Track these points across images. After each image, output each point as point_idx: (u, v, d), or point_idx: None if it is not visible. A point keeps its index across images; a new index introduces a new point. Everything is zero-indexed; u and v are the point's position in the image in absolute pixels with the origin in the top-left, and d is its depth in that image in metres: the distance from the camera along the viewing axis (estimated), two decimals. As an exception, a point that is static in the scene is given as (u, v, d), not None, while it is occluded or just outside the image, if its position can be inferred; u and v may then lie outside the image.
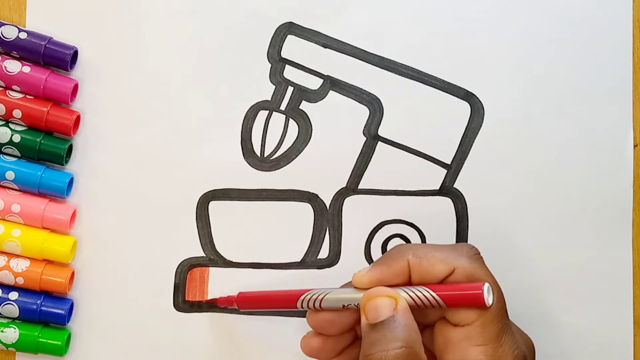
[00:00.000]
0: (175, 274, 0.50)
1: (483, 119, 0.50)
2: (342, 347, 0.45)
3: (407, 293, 0.41)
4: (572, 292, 0.50)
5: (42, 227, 0.49)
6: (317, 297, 0.44)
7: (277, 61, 0.50)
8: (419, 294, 0.41)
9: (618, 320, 0.49)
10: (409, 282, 0.42)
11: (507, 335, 0.41)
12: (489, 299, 0.40)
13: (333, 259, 0.50)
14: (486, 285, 0.40)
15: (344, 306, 0.43)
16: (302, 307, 0.45)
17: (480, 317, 0.41)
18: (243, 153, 0.50)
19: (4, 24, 0.49)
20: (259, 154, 0.50)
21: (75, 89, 0.50)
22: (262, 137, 0.50)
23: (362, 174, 0.50)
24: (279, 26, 0.50)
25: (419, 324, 0.41)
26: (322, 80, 0.50)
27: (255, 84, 0.50)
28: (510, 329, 0.42)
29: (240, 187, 0.50)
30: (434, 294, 0.41)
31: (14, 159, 0.49)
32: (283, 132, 0.50)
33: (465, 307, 0.41)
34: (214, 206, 0.50)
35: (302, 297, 0.44)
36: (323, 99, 0.50)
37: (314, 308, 0.44)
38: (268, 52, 0.50)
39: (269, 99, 0.50)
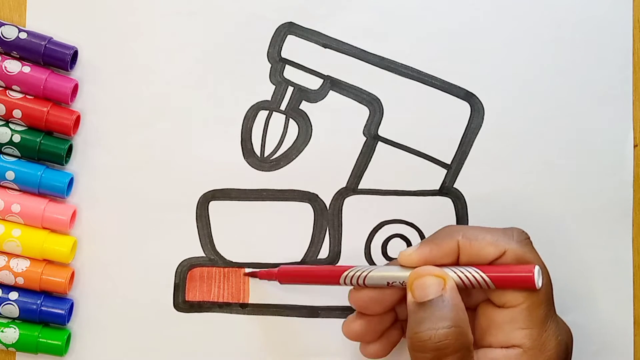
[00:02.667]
0: (175, 274, 0.50)
1: (483, 119, 0.50)
2: (383, 329, 0.45)
3: (456, 273, 0.41)
4: (572, 292, 0.50)
5: (42, 227, 0.49)
6: (361, 274, 0.43)
7: (277, 61, 0.50)
8: (468, 275, 0.41)
9: (618, 320, 0.49)
10: (456, 263, 0.42)
11: (552, 321, 0.41)
12: (539, 281, 0.40)
13: (333, 259, 0.50)
14: (537, 267, 0.40)
15: (388, 284, 0.43)
16: (344, 284, 0.44)
17: (527, 300, 0.40)
18: (243, 153, 0.50)
19: (4, 24, 0.49)
20: (259, 154, 0.50)
21: (75, 89, 0.50)
22: (262, 137, 0.50)
23: (362, 174, 0.50)
24: (279, 26, 0.50)
25: None
26: (322, 80, 0.50)
27: (255, 84, 0.50)
28: (555, 316, 0.41)
29: (240, 187, 0.50)
30: (483, 274, 0.41)
31: (14, 159, 0.49)
32: (283, 132, 0.50)
33: (513, 289, 0.40)
34: (214, 206, 0.50)
35: (345, 273, 0.44)
36: (323, 99, 0.50)
37: (358, 285, 0.44)
38: (268, 52, 0.50)
39: (269, 99, 0.50)
